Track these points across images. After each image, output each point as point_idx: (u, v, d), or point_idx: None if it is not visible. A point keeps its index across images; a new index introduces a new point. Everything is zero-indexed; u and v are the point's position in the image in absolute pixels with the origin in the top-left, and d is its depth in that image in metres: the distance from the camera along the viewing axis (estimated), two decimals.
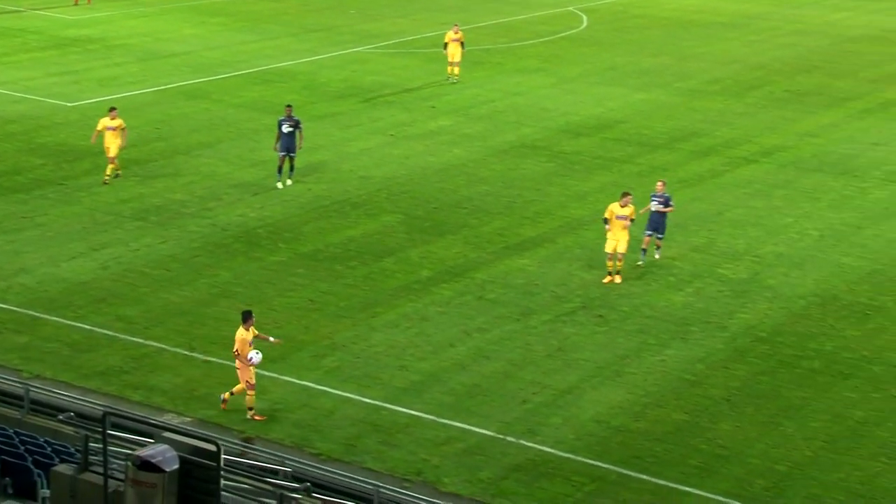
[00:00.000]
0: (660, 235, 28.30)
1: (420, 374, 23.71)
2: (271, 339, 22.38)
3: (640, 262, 28.21)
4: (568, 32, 56.31)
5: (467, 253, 29.77)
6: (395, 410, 22.31)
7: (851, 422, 21.75)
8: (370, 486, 18.26)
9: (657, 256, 28.58)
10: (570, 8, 62.26)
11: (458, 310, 26.57)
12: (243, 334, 21.45)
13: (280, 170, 33.81)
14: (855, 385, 23.04)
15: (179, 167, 35.79)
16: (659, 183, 28.57)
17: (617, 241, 27.46)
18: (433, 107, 43.24)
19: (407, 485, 19.81)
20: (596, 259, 29.19)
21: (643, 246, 28.22)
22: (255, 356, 21.40)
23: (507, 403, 22.52)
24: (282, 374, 23.51)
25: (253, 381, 21.54)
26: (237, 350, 21.42)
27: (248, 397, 21.69)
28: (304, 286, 27.75)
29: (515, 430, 21.55)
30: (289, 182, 33.87)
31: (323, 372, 23.76)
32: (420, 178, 35.37)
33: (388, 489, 18.79)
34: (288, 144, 33.60)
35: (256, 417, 21.69)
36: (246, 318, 21.62)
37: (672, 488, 19.74)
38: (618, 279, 27.53)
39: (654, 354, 24.42)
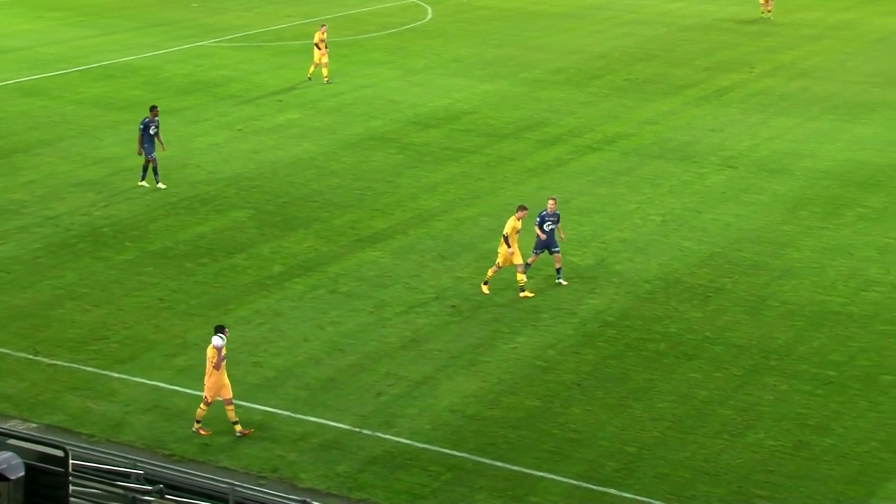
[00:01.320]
0: (555, 249, 27.03)
1: (274, 370, 23.44)
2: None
3: (562, 282, 27.14)
4: (413, 24, 56.40)
5: (319, 247, 29.55)
6: (250, 407, 21.99)
7: (696, 401, 22.29)
8: (225, 485, 17.94)
9: (561, 281, 27.17)
10: (415, 0, 62.37)
11: (311, 304, 26.36)
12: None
13: (146, 169, 32.85)
14: (699, 365, 23.62)
15: (18, 166, 34.61)
16: (550, 201, 27.45)
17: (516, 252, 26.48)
18: (281, 100, 42.82)
19: (263, 482, 19.56)
20: (448, 250, 29.33)
21: (530, 261, 27.05)
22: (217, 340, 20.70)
23: (362, 396, 22.43)
24: (132, 375, 22.97)
25: (210, 401, 20.87)
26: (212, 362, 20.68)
27: (199, 410, 21.04)
28: (154, 285, 27.15)
29: (371, 423, 21.49)
30: (161, 185, 32.91)
31: (174, 371, 23.28)
32: (270, 173, 34.96)
33: (244, 487, 18.50)
34: (153, 147, 32.66)
35: (202, 431, 21.00)
36: (219, 331, 20.94)
37: (527, 474, 19.94)
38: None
39: (507, 343, 24.63)
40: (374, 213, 31.85)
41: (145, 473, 17.12)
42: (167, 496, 16.69)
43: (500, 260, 26.78)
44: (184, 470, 19.02)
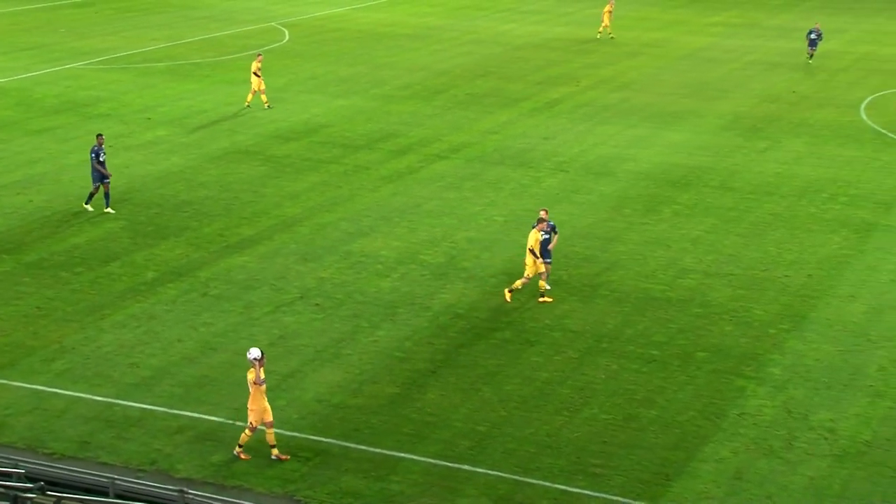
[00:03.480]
0: (547, 260, 26.39)
1: (150, 370, 22.86)
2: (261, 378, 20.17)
3: (547, 287, 26.49)
4: (272, 46, 55.77)
5: (190, 253, 28.96)
6: (128, 405, 21.41)
7: (538, 383, 22.60)
8: (105, 479, 17.47)
9: (545, 286, 26.32)
10: (273, 23, 61.71)
11: (184, 307, 25.81)
12: (251, 374, 19.64)
13: (92, 197, 31.35)
14: (540, 350, 23.96)
15: None
16: (542, 212, 26.72)
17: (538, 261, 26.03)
18: (148, 118, 41.81)
19: (141, 474, 19.07)
20: (311, 253, 29.09)
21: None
22: (253, 351, 19.54)
23: (234, 391, 22.05)
24: (11, 380, 22.12)
25: (256, 426, 19.69)
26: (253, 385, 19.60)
27: (244, 435, 19.83)
28: (31, 294, 26.19)
29: (244, 415, 21.04)
30: (110, 210, 31.41)
31: (53, 374, 22.49)
32: (141, 186, 34.10)
33: (123, 480, 18.06)
34: (104, 172, 31.21)
35: (243, 456, 19.82)
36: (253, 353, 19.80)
37: (388, 455, 19.92)
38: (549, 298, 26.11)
39: (367, 336, 24.56)
40: (240, 221, 31.37)
41: (26, 472, 16.53)
42: (49, 493, 16.14)
43: (528, 272, 26.06)
44: (64, 467, 18.46)
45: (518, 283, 26.28)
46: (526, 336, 24.60)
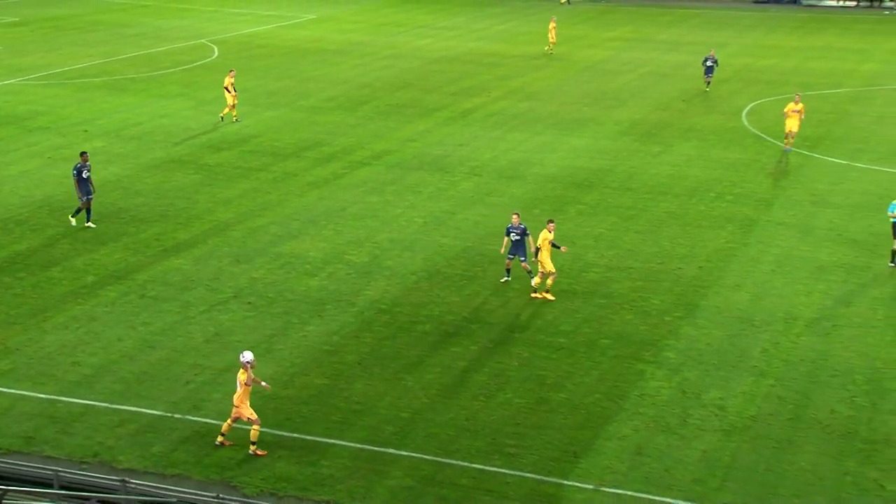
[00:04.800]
0: (522, 258, 26.37)
1: (91, 368, 22.43)
2: (263, 383, 19.99)
3: (505, 280, 26.72)
4: (203, 61, 55.01)
5: (128, 258, 28.46)
6: (70, 402, 20.98)
7: (457, 371, 22.68)
8: (49, 472, 17.11)
9: (533, 281, 26.24)
10: (203, 40, 60.89)
11: (124, 308, 25.36)
12: (242, 375, 19.26)
13: (79, 211, 30.29)
14: (458, 341, 24.03)
15: None
16: (514, 216, 26.38)
17: (547, 260, 25.91)
18: (86, 131, 40.96)
19: (85, 466, 18.72)
20: (243, 255, 28.79)
21: (508, 266, 26.75)
22: (247, 354, 19.22)
23: (173, 385, 21.76)
24: None
25: (255, 417, 19.31)
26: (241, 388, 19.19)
27: (252, 431, 19.36)
28: None
29: (182, 408, 20.88)
30: (91, 224, 30.36)
31: None
32: None
33: (67, 472, 17.71)
34: (89, 189, 30.18)
35: (259, 452, 19.35)
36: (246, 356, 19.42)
37: (319, 441, 19.84)
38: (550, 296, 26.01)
39: (298, 331, 24.41)
40: (176, 226, 30.91)
41: None
42: None
43: (546, 268, 25.95)
44: (9, 461, 18.02)
45: (549, 282, 26.08)
46: (445, 328, 24.67)
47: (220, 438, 19.58)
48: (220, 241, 29.92)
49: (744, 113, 45.06)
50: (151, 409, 20.84)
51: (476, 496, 18.31)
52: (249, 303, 25.84)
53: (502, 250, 26.99)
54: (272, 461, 19.20)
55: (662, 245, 29.90)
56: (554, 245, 26.19)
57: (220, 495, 17.65)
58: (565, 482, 18.72)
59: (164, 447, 19.56)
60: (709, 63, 49.13)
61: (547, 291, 26.22)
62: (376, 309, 25.64)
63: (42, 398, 21.09)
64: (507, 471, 19.01)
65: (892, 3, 76.64)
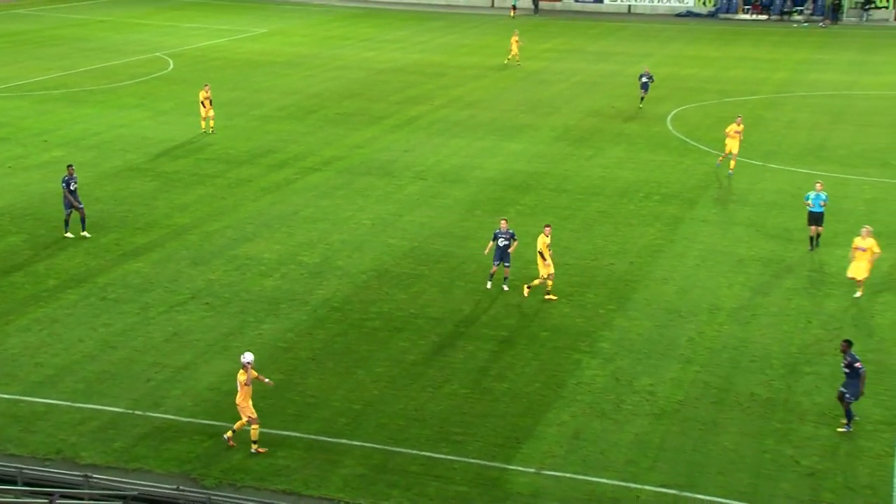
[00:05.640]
0: (506, 264, 25.91)
1: (54, 368, 21.93)
2: (265, 380, 19.47)
3: (489, 286, 26.13)
4: (159, 74, 54.19)
5: (88, 262, 27.89)
6: (33, 402, 20.50)
7: (406, 364, 22.59)
8: (13, 469, 16.69)
9: (505, 288, 25.99)
10: (158, 53, 59.99)
11: (85, 310, 24.85)
12: (242, 376, 18.77)
13: (67, 223, 29.32)
14: (406, 336, 23.94)
15: None
16: (502, 221, 25.98)
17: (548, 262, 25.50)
18: (45, 141, 40.09)
19: (48, 462, 18.29)
20: (200, 258, 28.38)
21: (492, 272, 26.13)
22: (247, 355, 18.82)
23: (133, 383, 21.36)
24: None
25: (255, 416, 18.84)
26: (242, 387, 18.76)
27: (252, 430, 18.92)
28: None
29: (142, 405, 20.51)
30: (86, 234, 29.34)
31: None
32: (40, 203, 32.66)
33: (31, 468, 17.29)
34: (76, 200, 29.18)
35: (260, 450, 18.91)
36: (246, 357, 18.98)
37: (275, 434, 19.60)
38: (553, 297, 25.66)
39: (253, 329, 24.12)
40: (135, 231, 30.38)
41: None
42: None
43: (543, 272, 25.57)
44: None
45: (544, 283, 25.65)
46: (394, 324, 24.55)
47: (228, 434, 19.16)
48: (177, 244, 29.46)
49: (668, 118, 45.54)
50: (113, 406, 20.44)
51: (425, 482, 18.24)
52: (207, 303, 25.47)
53: (486, 252, 26.34)
54: (230, 453, 18.94)
55: (596, 242, 30.08)
56: (541, 255, 25.39)
57: (180, 487, 17.38)
58: (508, 466, 18.72)
59: (126, 443, 19.19)
60: (644, 80, 47.02)
61: (548, 293, 25.83)
62: (328, 307, 25.43)
63: (6, 398, 20.57)
64: (453, 457, 18.96)
65: (800, 17, 78.09)
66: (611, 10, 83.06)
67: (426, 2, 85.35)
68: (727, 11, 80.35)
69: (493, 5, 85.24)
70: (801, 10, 78.48)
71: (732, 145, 36.23)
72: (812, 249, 29.34)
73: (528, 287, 25.93)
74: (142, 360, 22.48)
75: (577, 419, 20.33)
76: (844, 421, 19.89)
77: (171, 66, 56.26)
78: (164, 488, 17.39)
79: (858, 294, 25.81)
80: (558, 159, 39.09)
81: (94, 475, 17.41)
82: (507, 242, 25.83)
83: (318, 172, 37.07)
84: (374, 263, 28.29)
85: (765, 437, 19.72)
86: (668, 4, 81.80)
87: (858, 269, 25.79)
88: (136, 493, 17.10)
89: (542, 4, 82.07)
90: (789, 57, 61.85)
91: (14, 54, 58.30)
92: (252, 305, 25.40)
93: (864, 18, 77.18)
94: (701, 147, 40.57)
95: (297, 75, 54.90)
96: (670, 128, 43.93)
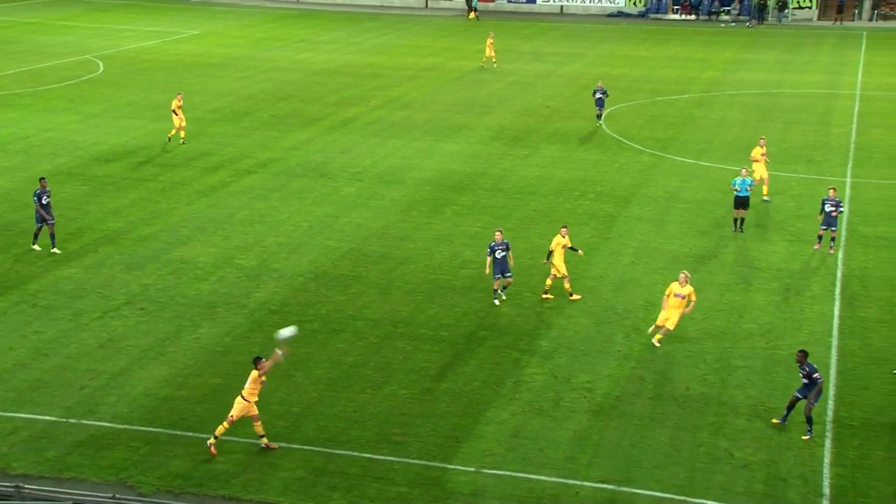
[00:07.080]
0: (507, 275, 25.42)
1: None
2: (278, 351, 19.01)
3: (497, 302, 25.55)
4: (88, 76, 53.13)
5: (19, 269, 27.24)
6: None
7: (344, 366, 22.51)
8: None
9: (498, 301, 25.59)
10: (87, 56, 58.82)
11: (15, 318, 24.27)
12: (255, 376, 18.53)
13: (37, 236, 28.37)
14: (345, 338, 23.86)
15: None
16: (497, 233, 25.37)
17: (561, 264, 25.43)
18: None
19: None
20: (134, 262, 27.90)
21: (495, 287, 25.59)
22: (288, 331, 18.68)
23: (67, 391, 20.92)
24: None
25: (256, 412, 18.69)
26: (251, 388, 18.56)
27: (255, 426, 18.86)
28: None
29: (76, 413, 20.10)
30: (56, 250, 28.29)
31: None
32: None
33: None
34: (49, 214, 28.22)
35: (272, 445, 18.81)
36: (257, 362, 18.77)
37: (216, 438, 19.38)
38: (576, 296, 25.71)
39: (190, 334, 23.80)
40: (66, 237, 29.73)
41: None
42: None
43: (554, 271, 25.46)
44: None
45: (567, 285, 25.74)
46: (332, 326, 24.44)
47: (263, 441, 18.98)
48: (111, 249, 28.94)
49: (602, 118, 46.05)
50: (45, 415, 20.00)
51: (365, 483, 18.20)
52: (142, 308, 25.07)
53: (487, 271, 25.67)
54: (167, 459, 18.67)
55: (533, 241, 30.30)
56: (572, 249, 25.80)
57: (116, 495, 17.07)
58: (449, 466, 18.77)
59: (59, 451, 18.79)
60: (598, 95, 44.14)
61: (571, 294, 25.79)
62: (266, 310, 25.22)
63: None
64: (394, 458, 18.94)
65: (727, 18, 79.65)
66: (543, 10, 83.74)
67: (360, 3, 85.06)
68: (657, 12, 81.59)
69: (426, 6, 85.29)
70: (729, 11, 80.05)
71: (761, 170, 33.21)
72: (735, 231, 30.78)
73: (570, 295, 25.69)
74: (75, 367, 22.03)
75: (516, 417, 20.46)
76: (808, 428, 19.84)
77: (101, 69, 55.21)
78: (100, 497, 17.07)
79: (656, 341, 23.19)
80: (494, 159, 39.28)
81: (27, 485, 17.01)
82: (504, 254, 25.36)
83: (253, 175, 36.72)
84: (311, 265, 28.13)
85: (700, 431, 20.08)
86: (599, 5, 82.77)
87: (671, 316, 22.90)
88: (70, 502, 16.76)
89: (477, 4, 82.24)
90: (718, 56, 63.00)
91: None
92: (188, 310, 25.07)
93: (781, 20, 79.02)
94: (634, 146, 41.13)
95: (230, 77, 54.29)
96: (604, 127, 44.43)
